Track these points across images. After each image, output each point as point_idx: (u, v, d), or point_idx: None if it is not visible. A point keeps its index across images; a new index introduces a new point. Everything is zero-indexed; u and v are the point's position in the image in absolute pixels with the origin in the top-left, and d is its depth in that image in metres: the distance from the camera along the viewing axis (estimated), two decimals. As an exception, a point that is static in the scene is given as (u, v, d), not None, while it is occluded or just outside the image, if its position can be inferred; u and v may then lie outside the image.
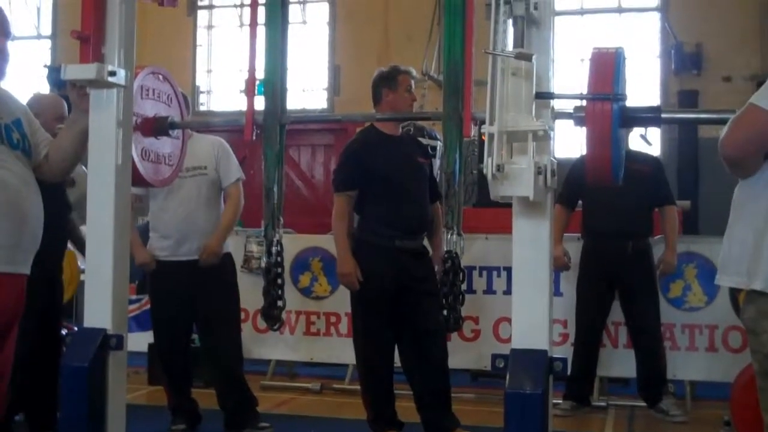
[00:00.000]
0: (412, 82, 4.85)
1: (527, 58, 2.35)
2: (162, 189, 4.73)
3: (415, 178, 4.81)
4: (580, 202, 5.81)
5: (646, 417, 5.65)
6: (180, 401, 5.08)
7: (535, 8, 2.44)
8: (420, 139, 7.04)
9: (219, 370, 5.12)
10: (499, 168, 2.29)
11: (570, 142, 8.31)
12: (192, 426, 5.06)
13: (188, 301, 4.97)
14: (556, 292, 5.91)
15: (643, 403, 5.71)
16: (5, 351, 3.11)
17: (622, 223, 5.52)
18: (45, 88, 8.71)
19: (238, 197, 5.10)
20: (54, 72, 2.98)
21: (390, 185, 4.69)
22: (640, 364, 5.66)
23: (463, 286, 2.94)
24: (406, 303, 4.68)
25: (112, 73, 2.79)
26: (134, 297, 6.80)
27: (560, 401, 5.60)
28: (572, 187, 5.62)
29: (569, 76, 10.35)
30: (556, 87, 2.59)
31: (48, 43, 13.36)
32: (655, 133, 10.42)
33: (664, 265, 5.68)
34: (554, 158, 2.47)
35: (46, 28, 13.41)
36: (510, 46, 2.44)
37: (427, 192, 4.84)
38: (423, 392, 4.75)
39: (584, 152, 5.37)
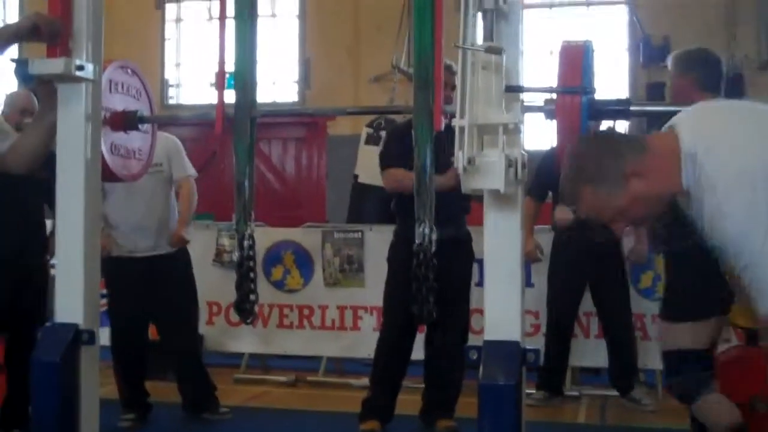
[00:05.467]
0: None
1: (497, 51, 2.36)
2: (115, 185, 4.73)
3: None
4: (550, 193, 5.83)
5: (619, 406, 5.70)
6: (131, 393, 5.14)
7: (505, 2, 2.45)
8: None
9: (177, 360, 5.25)
10: (470, 161, 2.31)
11: (540, 135, 8.33)
12: (142, 416, 5.13)
13: (145, 296, 5.07)
14: (528, 283, 5.93)
15: (616, 393, 5.76)
16: None
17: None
18: (12, 83, 8.63)
19: (190, 190, 5.22)
20: (21, 66, 2.93)
21: None
22: (611, 353, 5.72)
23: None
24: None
25: (80, 68, 2.77)
26: (105, 291, 6.75)
27: (533, 391, 5.63)
28: (542, 180, 5.61)
29: (538, 68, 10.39)
30: (525, 80, 2.60)
31: (14, 36, 13.22)
32: (624, 126, 10.49)
33: (634, 255, 5.73)
34: (524, 151, 2.49)
35: (13, 18, 13.27)
36: (480, 40, 2.45)
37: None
38: None
39: (554, 145, 5.42)
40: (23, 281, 4.53)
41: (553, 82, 2.54)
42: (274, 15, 12.40)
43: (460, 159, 2.30)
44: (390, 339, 4.98)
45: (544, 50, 10.87)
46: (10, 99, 4.60)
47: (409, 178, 4.80)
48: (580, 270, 5.65)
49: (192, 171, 5.30)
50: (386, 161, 5.07)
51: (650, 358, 6.04)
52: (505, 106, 2.43)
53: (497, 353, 2.52)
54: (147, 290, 5.08)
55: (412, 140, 4.67)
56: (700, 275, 3.48)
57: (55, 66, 2.76)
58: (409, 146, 4.72)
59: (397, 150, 4.92)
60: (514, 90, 2.46)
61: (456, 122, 2.35)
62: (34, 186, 4.42)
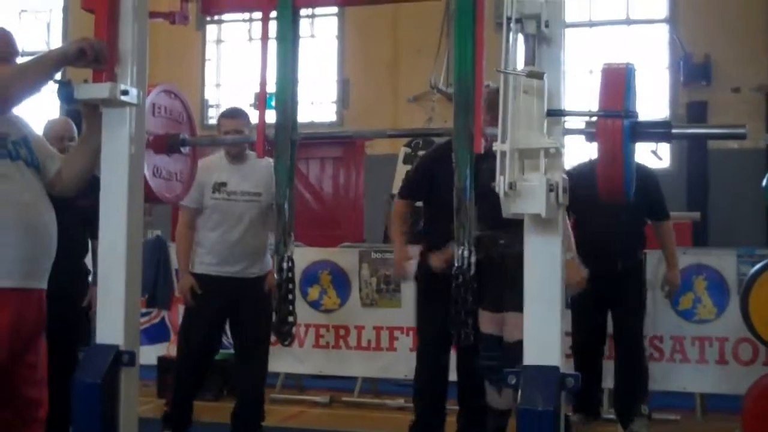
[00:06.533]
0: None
1: (539, 76, 2.36)
2: (213, 209, 4.90)
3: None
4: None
5: (658, 429, 5.62)
6: (182, 410, 5.06)
7: (546, 26, 2.45)
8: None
9: (248, 385, 5.11)
10: (512, 186, 2.30)
11: (579, 156, 8.29)
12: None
13: (224, 313, 5.02)
14: (566, 304, 5.85)
15: (658, 415, 5.62)
16: (39, 362, 3.20)
17: (614, 241, 5.30)
18: (55, 104, 8.77)
19: None
20: (64, 88, 2.98)
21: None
22: (618, 381, 5.49)
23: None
24: None
25: (125, 92, 2.81)
26: (144, 310, 6.81)
27: (570, 414, 5.51)
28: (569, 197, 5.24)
29: (578, 87, 10.36)
30: (565, 99, 2.60)
31: (58, 57, 13.43)
32: (664, 145, 10.41)
33: (668, 285, 5.53)
34: (565, 175, 2.48)
35: (57, 44, 13.48)
36: (521, 64, 2.45)
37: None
38: None
39: (580, 162, 5.34)
40: (65, 305, 4.57)
41: (593, 102, 2.53)
42: (313, 36, 12.50)
43: (501, 183, 2.30)
44: (428, 360, 4.91)
45: (584, 69, 10.86)
46: (50, 126, 4.67)
47: (402, 221, 4.86)
48: (601, 295, 5.33)
49: None
50: (402, 189, 5.12)
51: (689, 381, 6.01)
52: (546, 130, 2.42)
53: (536, 378, 2.51)
54: (228, 308, 5.04)
55: (440, 169, 4.72)
56: (506, 278, 4.04)
57: (100, 90, 2.81)
58: (435, 176, 4.77)
59: (421, 181, 4.89)
60: (555, 114, 2.45)
61: (497, 146, 2.35)
62: (76, 212, 4.48)
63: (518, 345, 4.05)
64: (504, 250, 4.18)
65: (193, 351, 5.06)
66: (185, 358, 5.09)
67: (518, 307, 4.04)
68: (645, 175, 5.44)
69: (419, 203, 5.10)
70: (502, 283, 4.09)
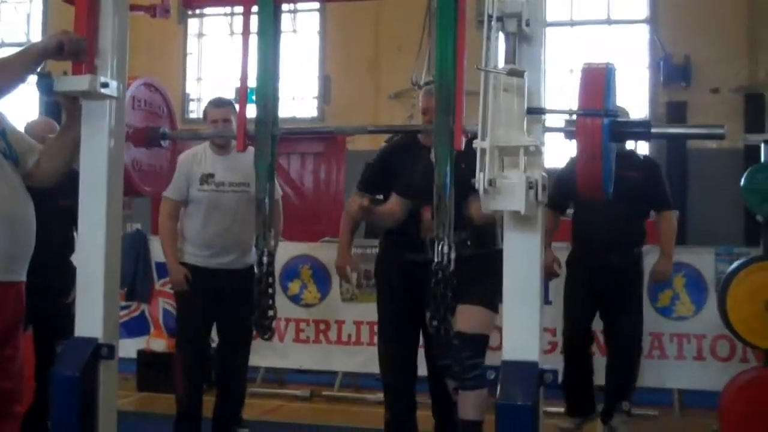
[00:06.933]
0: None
1: (519, 74, 2.38)
2: (200, 201, 4.86)
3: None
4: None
5: (636, 425, 5.63)
6: (190, 403, 4.99)
7: (527, 25, 2.47)
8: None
9: (231, 377, 5.09)
10: (491, 182, 2.32)
11: (559, 154, 8.33)
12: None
13: (214, 304, 4.97)
14: (545, 300, 5.86)
15: (636, 411, 5.61)
16: (17, 354, 3.18)
17: (607, 234, 5.20)
18: (35, 96, 8.72)
19: (280, 214, 5.09)
20: (44, 79, 2.97)
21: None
22: (607, 379, 5.42)
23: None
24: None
25: (105, 85, 2.80)
26: (123, 303, 6.78)
27: (558, 409, 5.43)
28: (562, 191, 4.96)
29: (558, 86, 10.40)
30: (545, 98, 2.62)
31: (37, 49, 13.33)
32: (643, 143, 10.47)
33: (656, 274, 5.38)
34: (545, 173, 2.49)
35: (36, 35, 13.38)
36: (502, 62, 2.46)
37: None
38: None
39: (575, 155, 5.24)
40: (48, 299, 4.55)
41: (573, 100, 2.55)
42: (294, 31, 12.48)
43: (481, 180, 2.32)
44: (392, 355, 4.82)
45: (564, 68, 10.89)
46: (29, 127, 4.64)
47: (354, 211, 4.79)
48: (593, 289, 5.32)
49: (280, 191, 5.21)
50: (360, 183, 4.90)
51: (667, 377, 6.05)
52: (526, 128, 2.44)
53: (515, 374, 2.53)
54: (215, 300, 5.00)
55: (399, 163, 4.68)
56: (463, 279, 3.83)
57: (80, 83, 2.80)
58: (393, 170, 4.71)
59: (377, 173, 4.80)
60: (535, 112, 2.47)
61: (478, 144, 2.36)
62: (59, 209, 4.45)
63: (474, 338, 4.11)
64: (471, 252, 4.14)
65: (194, 345, 4.99)
66: (187, 354, 5.01)
67: (473, 300, 4.11)
68: (649, 166, 5.45)
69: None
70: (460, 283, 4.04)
